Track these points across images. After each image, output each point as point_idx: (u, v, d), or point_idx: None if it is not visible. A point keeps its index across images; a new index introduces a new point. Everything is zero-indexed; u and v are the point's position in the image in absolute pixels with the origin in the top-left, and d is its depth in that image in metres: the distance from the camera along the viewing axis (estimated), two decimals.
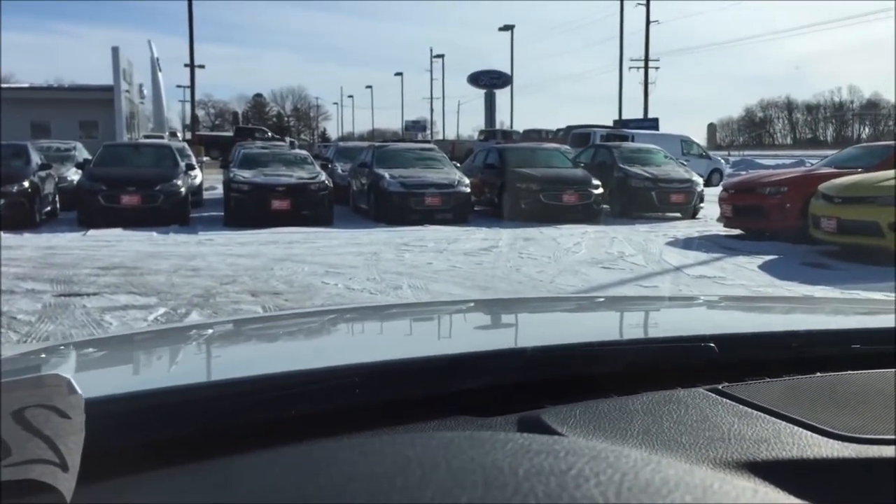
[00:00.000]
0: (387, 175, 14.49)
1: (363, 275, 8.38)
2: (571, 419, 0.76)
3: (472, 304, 1.99)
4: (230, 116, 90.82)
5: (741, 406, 0.79)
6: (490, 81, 51.29)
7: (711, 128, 65.10)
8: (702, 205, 15.94)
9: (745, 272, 8.82)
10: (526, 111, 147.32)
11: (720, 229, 12.52)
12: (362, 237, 11.71)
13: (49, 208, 14.08)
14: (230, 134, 45.40)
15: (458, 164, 17.37)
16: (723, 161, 31.96)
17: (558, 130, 38.89)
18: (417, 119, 74.37)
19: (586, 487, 0.41)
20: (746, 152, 55.74)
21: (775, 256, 9.90)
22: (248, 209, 13.51)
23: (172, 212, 13.29)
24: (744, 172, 24.53)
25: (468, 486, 0.42)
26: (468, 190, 14.66)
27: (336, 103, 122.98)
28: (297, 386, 0.77)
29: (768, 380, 0.87)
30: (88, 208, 13.15)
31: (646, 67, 42.36)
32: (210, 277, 8.11)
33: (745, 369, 0.89)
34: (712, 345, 0.90)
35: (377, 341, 1.32)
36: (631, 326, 1.40)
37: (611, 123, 37.39)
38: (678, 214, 15.58)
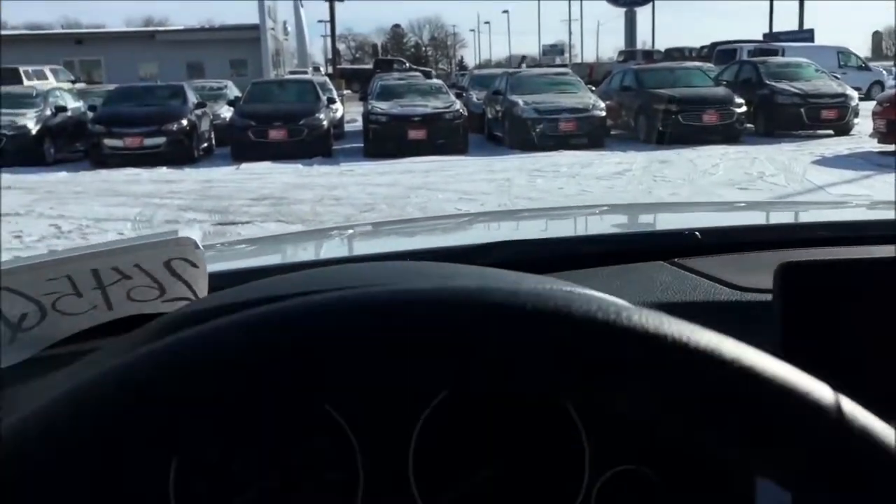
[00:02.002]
0: (520, 101, 14.49)
1: (495, 200, 8.60)
2: None
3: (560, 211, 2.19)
4: (370, 49, 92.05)
5: (683, 271, 0.93)
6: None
7: (877, 36, 60.06)
8: (856, 120, 14.99)
9: None
10: (670, 29, 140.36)
11: (874, 145, 11.81)
12: (496, 164, 11.88)
13: (206, 144, 14.99)
14: (370, 66, 46.21)
15: (594, 88, 17.08)
16: (884, 73, 29.60)
17: (702, 48, 37.05)
18: (555, 43, 72.70)
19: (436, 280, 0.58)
20: None
21: None
22: (385, 140, 13.92)
23: (315, 144, 13.89)
24: None
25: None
26: (603, 114, 14.46)
27: (473, 30, 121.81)
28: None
29: (726, 255, 1.00)
30: (240, 143, 13.96)
31: None
32: (350, 206, 8.58)
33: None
34: (697, 233, 1.03)
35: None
36: (645, 224, 1.54)
37: (760, 38, 35.27)
38: (830, 132, 14.75)
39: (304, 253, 1.46)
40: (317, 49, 68.06)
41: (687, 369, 0.33)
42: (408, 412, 0.63)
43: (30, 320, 0.62)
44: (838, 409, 0.34)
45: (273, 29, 35.34)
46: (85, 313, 0.64)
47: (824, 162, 10.90)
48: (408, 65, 45.73)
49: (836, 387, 0.36)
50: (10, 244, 6.88)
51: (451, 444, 0.64)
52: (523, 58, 63.52)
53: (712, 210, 1.96)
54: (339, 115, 17.54)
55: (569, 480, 0.65)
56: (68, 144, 14.62)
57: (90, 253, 0.62)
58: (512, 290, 0.35)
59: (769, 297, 0.73)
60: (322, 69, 46.24)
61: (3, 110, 13.75)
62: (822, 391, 0.34)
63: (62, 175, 11.96)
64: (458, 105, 14.89)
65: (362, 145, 14.54)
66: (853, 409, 0.34)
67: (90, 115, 14.27)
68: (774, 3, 39.64)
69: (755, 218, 1.67)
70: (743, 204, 1.96)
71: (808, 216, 1.66)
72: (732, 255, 0.98)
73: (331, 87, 19.16)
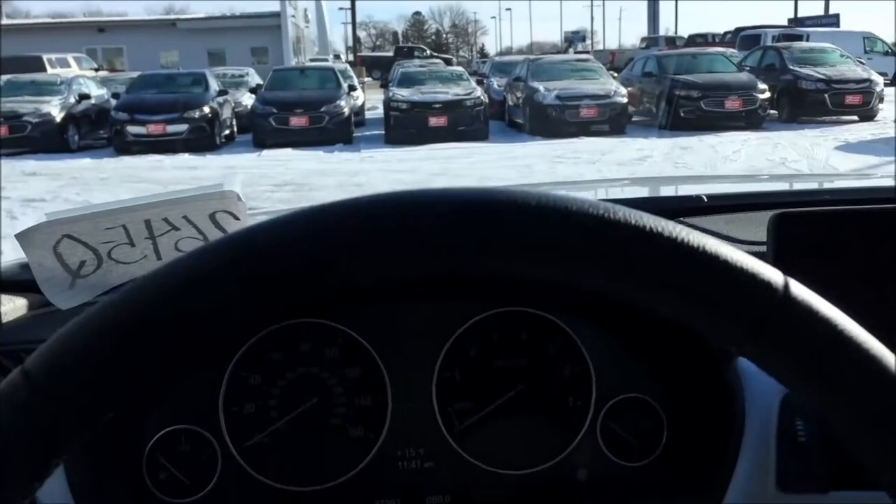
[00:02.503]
0: (541, 88, 14.46)
1: None
2: None
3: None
4: (390, 36, 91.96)
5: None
6: None
7: None
8: (881, 106, 14.85)
9: None
10: (694, 16, 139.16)
11: None
12: (517, 151, 11.88)
13: (227, 132, 15.09)
14: (390, 54, 46.17)
15: (616, 74, 17.00)
16: None
17: (726, 34, 36.79)
18: (577, 30, 72.11)
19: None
20: None
21: None
22: (406, 126, 13.95)
23: (337, 131, 13.96)
24: None
25: None
26: (625, 100, 14.40)
27: (494, 17, 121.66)
28: None
29: (729, 214, 1.04)
30: (261, 130, 14.05)
31: None
32: (372, 192, 8.61)
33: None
34: (703, 197, 1.07)
35: None
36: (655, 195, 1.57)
37: (785, 23, 34.90)
38: (854, 117, 14.62)
39: None
40: (337, 36, 68.13)
41: (665, 255, 0.39)
42: (432, 343, 0.68)
43: (87, 267, 0.66)
44: (786, 286, 0.39)
45: (294, 16, 35.42)
46: (136, 262, 0.69)
47: (847, 148, 10.81)
48: (428, 52, 45.69)
49: None
50: None
51: (471, 376, 0.69)
52: (570, 42, 62.42)
53: (722, 182, 2.01)
54: (359, 102, 17.57)
55: (579, 406, 0.71)
56: (92, 131, 14.79)
57: (143, 204, 0.67)
58: (523, 192, 0.41)
59: (765, 248, 0.77)
60: (343, 56, 46.27)
61: (28, 98, 13.94)
62: (770, 271, 0.39)
63: (87, 161, 12.11)
64: (478, 92, 14.88)
65: (383, 132, 14.60)
66: (799, 289, 0.39)
67: (113, 102, 14.43)
68: None
69: (758, 187, 1.71)
70: (766, 176, 2.00)
71: (809, 184, 1.70)
72: (735, 215, 1.02)
73: (351, 74, 19.19)
